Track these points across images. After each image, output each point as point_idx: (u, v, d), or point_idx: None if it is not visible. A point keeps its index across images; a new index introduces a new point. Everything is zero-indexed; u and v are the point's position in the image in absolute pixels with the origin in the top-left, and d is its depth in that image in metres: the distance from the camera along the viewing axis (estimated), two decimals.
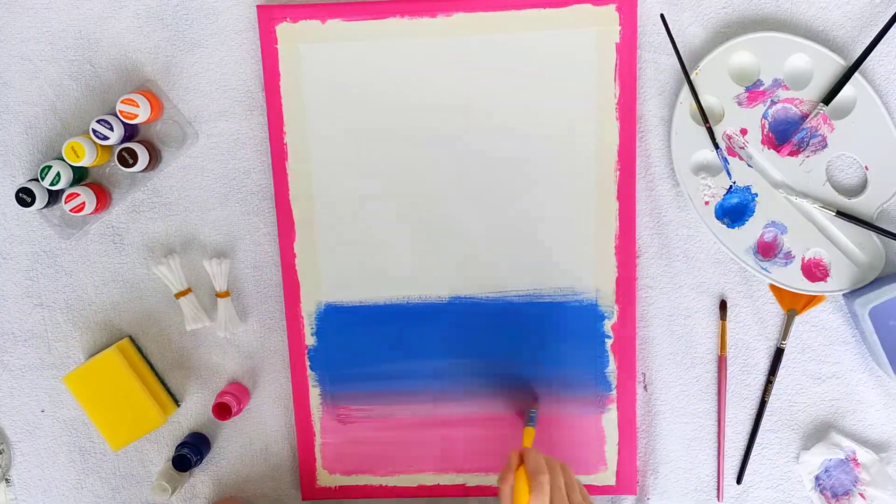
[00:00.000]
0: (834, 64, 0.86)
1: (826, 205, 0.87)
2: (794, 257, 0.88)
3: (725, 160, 0.88)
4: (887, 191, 0.87)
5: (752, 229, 0.88)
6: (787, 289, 0.88)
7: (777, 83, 0.87)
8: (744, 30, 0.87)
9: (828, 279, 0.88)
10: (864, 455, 0.90)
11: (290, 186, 0.91)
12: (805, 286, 0.88)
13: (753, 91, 0.87)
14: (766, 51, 0.86)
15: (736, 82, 0.87)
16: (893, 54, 0.87)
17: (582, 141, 0.89)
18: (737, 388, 0.92)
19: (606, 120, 0.88)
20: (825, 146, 0.87)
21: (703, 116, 0.87)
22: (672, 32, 0.86)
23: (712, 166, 0.89)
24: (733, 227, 0.88)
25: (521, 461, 0.78)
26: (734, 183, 0.88)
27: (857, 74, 0.85)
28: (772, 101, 0.87)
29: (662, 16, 0.86)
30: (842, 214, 0.86)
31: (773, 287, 0.90)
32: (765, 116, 0.87)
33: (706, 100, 0.87)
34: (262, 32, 0.88)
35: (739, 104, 0.87)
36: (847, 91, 0.86)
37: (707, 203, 0.88)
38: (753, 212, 0.88)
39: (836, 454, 0.91)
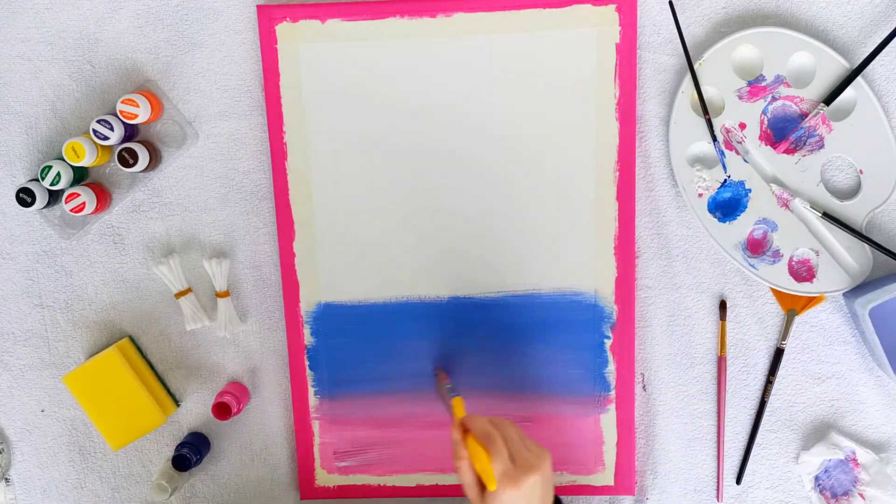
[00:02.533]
0: (837, 64, 0.85)
1: (815, 205, 0.86)
2: (782, 256, 0.88)
3: (722, 153, 0.87)
4: (879, 196, 0.87)
5: (743, 225, 0.88)
6: (773, 287, 0.88)
7: (779, 80, 0.87)
8: (742, 28, 0.87)
9: (814, 280, 0.88)
10: (863, 455, 0.90)
11: (289, 186, 0.91)
12: (790, 286, 0.88)
13: (755, 86, 0.87)
14: (770, 46, 0.86)
15: (738, 76, 0.87)
16: (894, 54, 0.87)
17: (582, 141, 0.89)
18: (736, 388, 0.92)
19: (606, 120, 0.88)
20: (822, 146, 0.87)
21: (704, 107, 0.86)
22: (676, 23, 0.86)
23: (708, 159, 0.89)
24: (724, 222, 0.88)
25: (465, 432, 0.77)
26: (729, 177, 0.88)
27: (859, 77, 0.85)
28: (773, 97, 0.87)
29: (671, 2, 0.86)
30: (828, 216, 0.86)
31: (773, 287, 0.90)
32: (764, 112, 0.87)
33: (707, 91, 0.87)
34: (262, 32, 0.89)
35: (740, 98, 0.87)
36: (848, 93, 0.86)
37: (701, 195, 0.88)
38: (746, 207, 0.88)
39: (835, 454, 0.90)
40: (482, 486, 0.74)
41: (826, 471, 0.91)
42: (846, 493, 0.91)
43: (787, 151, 0.87)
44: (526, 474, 0.74)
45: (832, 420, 0.92)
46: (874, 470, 0.90)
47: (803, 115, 0.87)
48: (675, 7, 0.87)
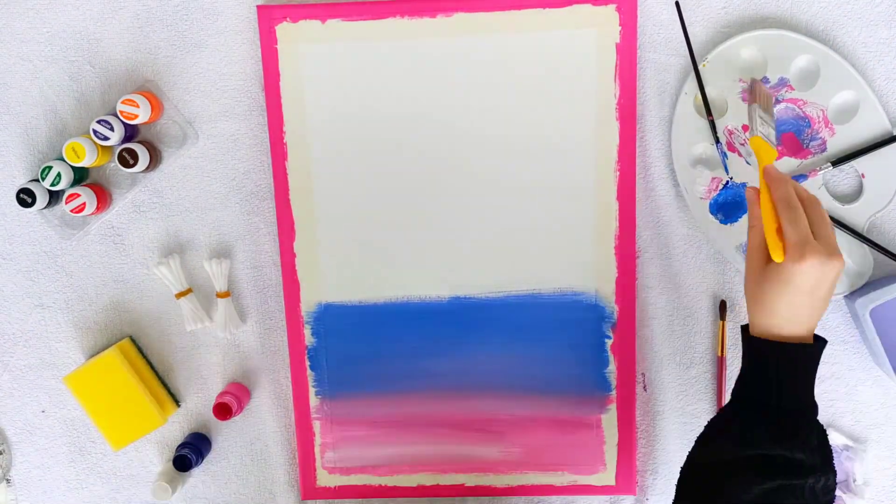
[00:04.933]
0: (841, 68, 0.85)
1: None
2: None
3: (724, 155, 0.87)
4: (881, 200, 0.87)
5: (745, 227, 0.88)
6: None
7: (783, 82, 0.86)
8: (744, 30, 0.87)
9: None
10: (863, 455, 0.90)
11: (289, 186, 0.91)
12: None
13: None
14: (774, 49, 0.86)
15: (742, 77, 0.87)
16: (893, 54, 0.87)
17: (582, 141, 0.89)
18: None
19: (606, 120, 0.88)
20: (824, 150, 0.87)
21: (707, 108, 0.86)
22: (676, 26, 0.85)
23: (710, 160, 0.89)
24: (726, 224, 0.88)
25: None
26: (731, 179, 0.88)
27: (861, 81, 0.85)
28: (776, 99, 0.87)
29: (677, 3, 0.86)
30: (830, 219, 0.86)
31: None
32: None
33: (710, 92, 0.87)
34: (262, 32, 0.88)
35: (744, 100, 0.87)
36: (850, 96, 0.86)
37: (703, 198, 0.88)
38: (747, 209, 0.88)
39: (834, 454, 0.90)
40: (767, 256, 0.68)
41: None
42: (845, 492, 0.91)
43: (792, 155, 0.87)
44: (823, 254, 0.66)
45: (831, 419, 0.92)
46: (874, 469, 0.90)
47: (806, 118, 0.87)
48: (674, 8, 0.86)
